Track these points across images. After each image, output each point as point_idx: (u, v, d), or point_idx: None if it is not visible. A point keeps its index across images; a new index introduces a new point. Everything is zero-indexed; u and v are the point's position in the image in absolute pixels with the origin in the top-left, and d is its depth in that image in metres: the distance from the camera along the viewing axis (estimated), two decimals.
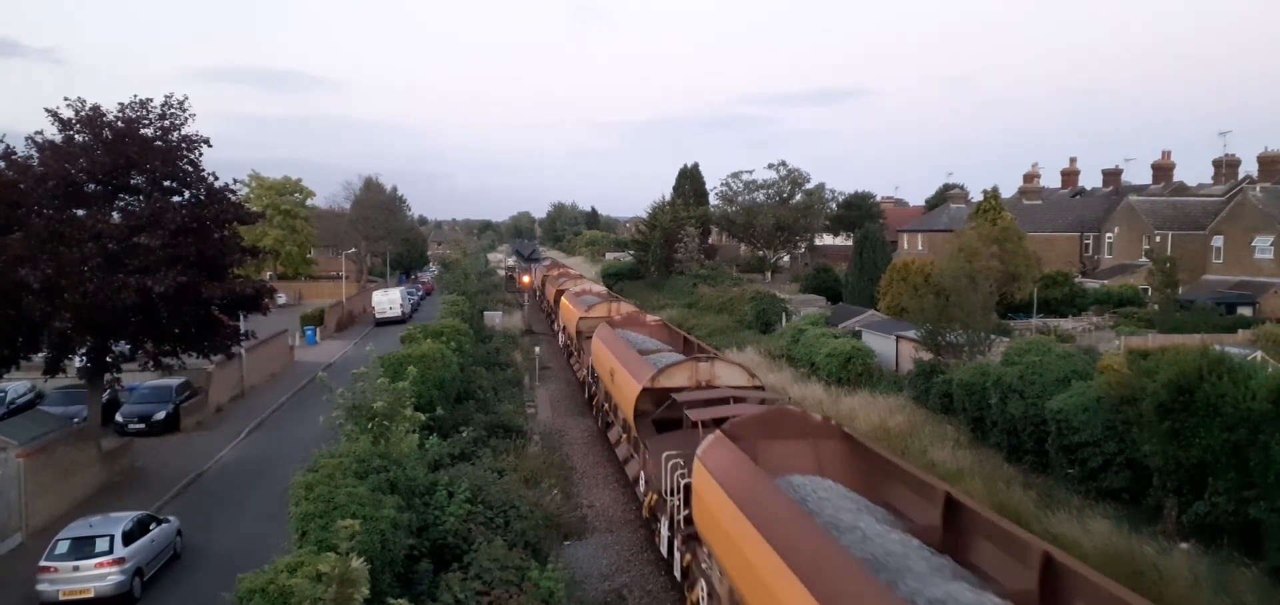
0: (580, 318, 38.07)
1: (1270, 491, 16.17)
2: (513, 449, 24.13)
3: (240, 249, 28.34)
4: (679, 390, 19.76)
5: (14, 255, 22.67)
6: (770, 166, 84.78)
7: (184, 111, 26.46)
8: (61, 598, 17.56)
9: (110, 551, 17.84)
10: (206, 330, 27.10)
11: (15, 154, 24.56)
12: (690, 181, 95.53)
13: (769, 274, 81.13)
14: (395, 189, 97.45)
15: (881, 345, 36.83)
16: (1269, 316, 40.89)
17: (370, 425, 17.29)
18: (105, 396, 29.35)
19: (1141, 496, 19.62)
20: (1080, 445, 20.82)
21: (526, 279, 77.68)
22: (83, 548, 17.90)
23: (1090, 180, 73.75)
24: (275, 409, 36.71)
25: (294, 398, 38.82)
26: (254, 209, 40.64)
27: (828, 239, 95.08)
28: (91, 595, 17.59)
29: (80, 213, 24.83)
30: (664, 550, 17.71)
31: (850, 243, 73.45)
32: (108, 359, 26.52)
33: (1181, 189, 63.33)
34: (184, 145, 26.31)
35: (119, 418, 31.59)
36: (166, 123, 26.11)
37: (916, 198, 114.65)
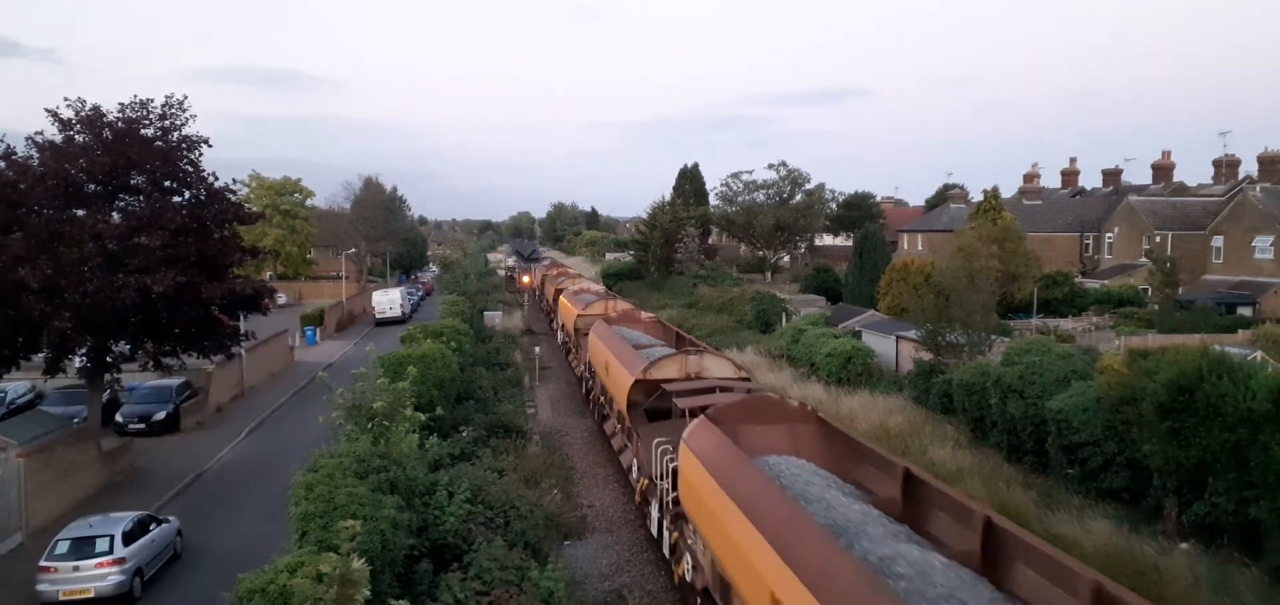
0: (578, 315, 38.73)
1: (1270, 491, 16.16)
2: (513, 449, 24.14)
3: (240, 249, 28.34)
4: (669, 381, 20.65)
5: (14, 255, 22.67)
6: (770, 166, 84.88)
7: (184, 112, 26.46)
8: (61, 598, 17.56)
9: (110, 551, 17.84)
10: (206, 330, 27.10)
11: (15, 154, 24.56)
12: (690, 181, 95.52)
13: (769, 274, 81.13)
14: (395, 189, 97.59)
15: (881, 345, 36.83)
16: (1269, 316, 40.89)
17: (370, 425, 17.29)
18: (105, 396, 29.34)
19: (1141, 496, 19.61)
20: (1080, 445, 20.81)
21: (526, 279, 77.69)
22: (83, 548, 17.90)
23: (1090, 180, 73.83)
24: (275, 409, 36.71)
25: (294, 398, 38.82)
26: (254, 209, 40.63)
27: (828, 239, 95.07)
28: (91, 595, 17.59)
29: (80, 213, 24.83)
30: (654, 530, 18.62)
31: (850, 243, 73.43)
32: (108, 359, 26.52)
33: (1181, 189, 63.32)
34: (184, 145, 26.31)
35: (119, 418, 31.59)
36: (166, 123, 26.11)
37: (916, 198, 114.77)
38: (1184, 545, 17.09)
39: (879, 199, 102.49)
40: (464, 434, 22.74)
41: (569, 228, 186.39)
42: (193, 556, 20.54)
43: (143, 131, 25.66)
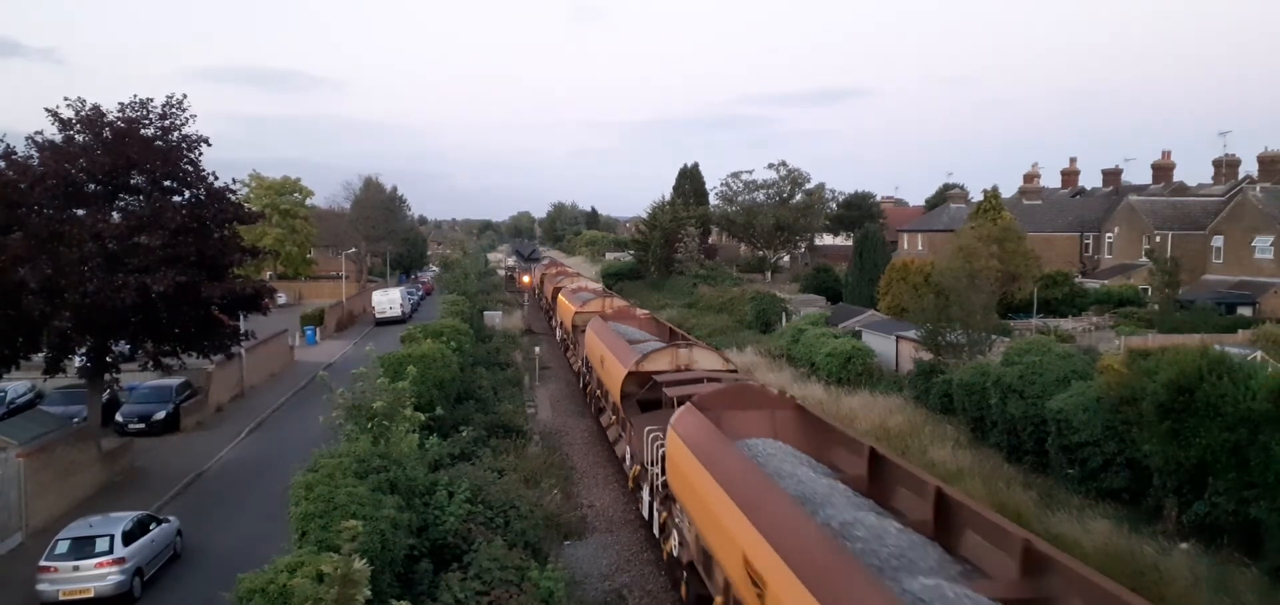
0: (575, 312, 39.43)
1: (1270, 491, 16.16)
2: (513, 449, 24.14)
3: (240, 249, 28.34)
4: (660, 373, 21.45)
5: (14, 255, 22.68)
6: (770, 166, 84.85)
7: (184, 111, 26.46)
8: (61, 598, 17.56)
9: (110, 551, 17.84)
10: (206, 330, 27.10)
11: (15, 154, 24.56)
12: (690, 181, 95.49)
13: (769, 274, 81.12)
14: (395, 189, 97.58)
15: (881, 345, 36.83)
16: (1269, 316, 40.88)
17: (370, 425, 17.28)
18: (105, 396, 29.34)
19: (1141, 496, 19.61)
20: (1080, 445, 20.81)
21: (526, 279, 77.70)
22: (83, 548, 17.89)
23: (1090, 180, 73.79)
24: (275, 409, 36.71)
25: (294, 398, 38.82)
26: (254, 209, 40.64)
27: (828, 239, 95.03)
28: (91, 595, 17.58)
29: (80, 213, 24.83)
30: (645, 512, 19.70)
31: (850, 243, 73.42)
32: (108, 359, 26.52)
33: (1181, 189, 63.30)
34: (184, 145, 26.31)
35: (119, 418, 31.59)
36: (166, 123, 26.11)
37: (916, 198, 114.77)
38: (1184, 545, 17.09)
39: (879, 199, 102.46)
40: (464, 434, 22.74)
41: (569, 228, 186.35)
42: (193, 556, 20.54)
43: (143, 131, 25.65)
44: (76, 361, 26.86)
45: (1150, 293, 47.14)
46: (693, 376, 20.54)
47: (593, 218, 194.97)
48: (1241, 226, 51.63)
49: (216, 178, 27.26)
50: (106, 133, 25.14)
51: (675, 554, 16.26)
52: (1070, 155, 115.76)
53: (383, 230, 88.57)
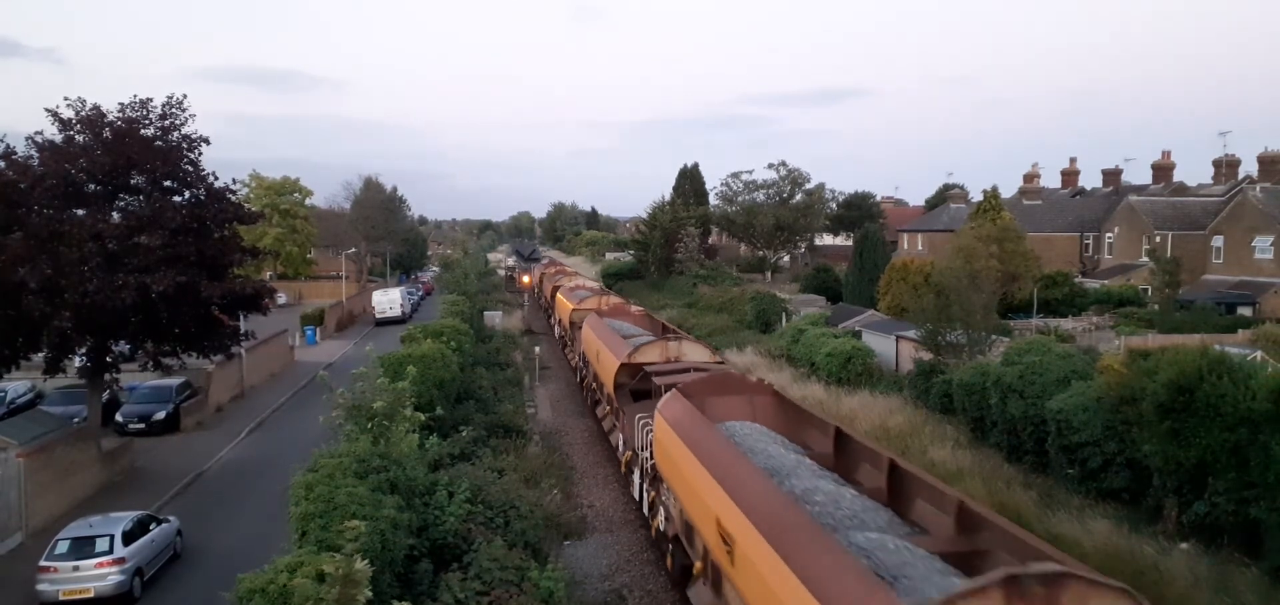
0: (573, 309, 40.56)
1: (1270, 491, 16.16)
2: (513, 449, 24.14)
3: (240, 249, 28.35)
4: (651, 365, 22.78)
5: (14, 255, 22.68)
6: (770, 166, 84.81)
7: (184, 111, 26.47)
8: (61, 598, 17.56)
9: (110, 551, 17.84)
10: (206, 330, 27.10)
11: (15, 154, 24.57)
12: (690, 181, 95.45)
13: (769, 274, 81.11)
14: (395, 189, 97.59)
15: (881, 345, 36.82)
16: (1269, 316, 40.88)
17: (370, 425, 17.28)
18: (105, 396, 29.35)
19: (1141, 496, 19.60)
20: (1080, 445, 20.80)
21: (526, 279, 77.72)
22: (83, 548, 17.90)
23: (1090, 180, 73.78)
24: (275, 409, 36.71)
25: (294, 398, 38.82)
26: (253, 209, 40.64)
27: (828, 239, 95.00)
28: (91, 595, 17.59)
29: (80, 213, 24.83)
30: (636, 494, 20.98)
31: (850, 243, 73.41)
32: (108, 359, 26.52)
33: (1181, 189, 63.29)
34: (184, 145, 26.32)
35: (119, 418, 31.60)
36: (166, 123, 26.12)
37: (916, 198, 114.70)
38: (1184, 545, 17.09)
39: (879, 199, 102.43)
40: (464, 434, 22.73)
41: (569, 228, 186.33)
42: (193, 556, 20.54)
43: (143, 131, 25.66)
44: (76, 361, 26.87)
45: (1150, 293, 47.14)
46: (680, 367, 21.63)
47: (593, 218, 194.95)
48: (1241, 226, 51.62)
49: (216, 178, 27.29)
50: (106, 133, 25.15)
51: (662, 529, 17.31)
52: (1070, 155, 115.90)
53: (383, 230, 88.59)
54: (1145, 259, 50.93)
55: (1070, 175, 74.12)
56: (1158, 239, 52.81)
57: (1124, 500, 19.83)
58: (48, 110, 24.98)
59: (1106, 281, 53.83)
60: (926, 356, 31.41)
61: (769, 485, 10.82)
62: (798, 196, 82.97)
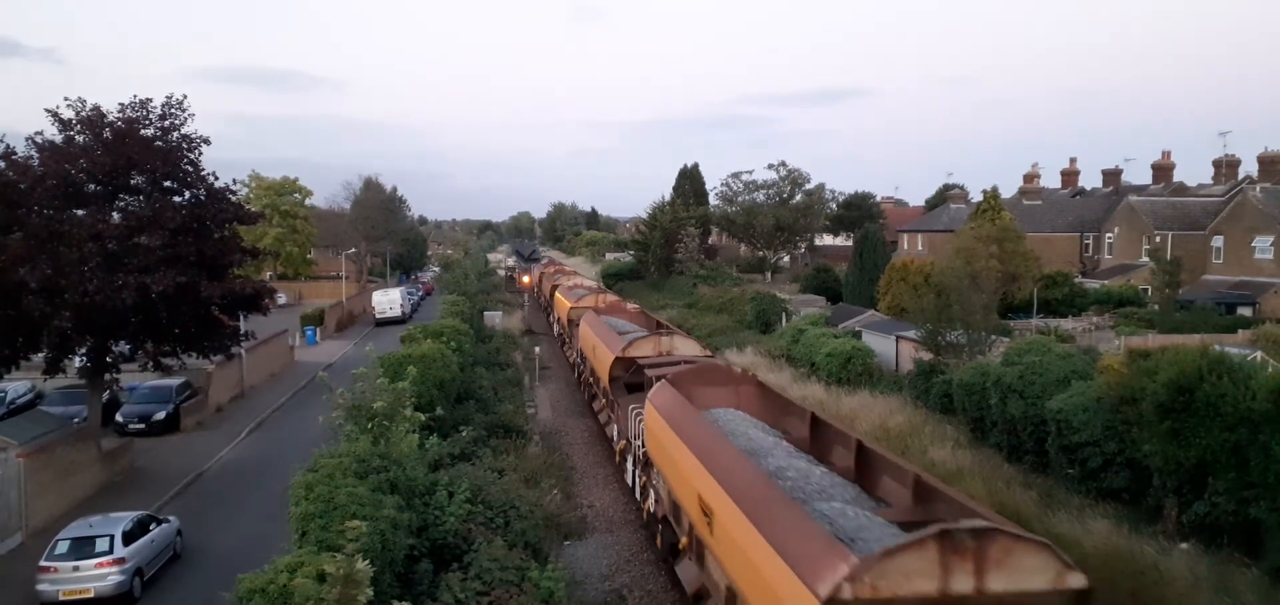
0: (571, 307, 41.76)
1: (1270, 491, 16.16)
2: (513, 449, 24.14)
3: (240, 249, 28.35)
4: (644, 358, 24.02)
5: (14, 255, 22.70)
6: (770, 167, 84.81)
7: (184, 111, 26.48)
8: (61, 598, 17.57)
9: (110, 551, 17.84)
10: (206, 330, 27.11)
11: (15, 154, 24.58)
12: (690, 181, 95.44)
13: (769, 274, 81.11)
14: (395, 189, 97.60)
15: (881, 345, 36.82)
16: (1269, 316, 40.87)
17: (370, 425, 17.28)
18: (105, 396, 29.35)
19: (1141, 496, 19.60)
20: (1080, 445, 20.80)
21: (526, 279, 77.73)
22: (83, 548, 17.90)
23: (1090, 180, 73.74)
24: (275, 409, 36.71)
25: (294, 398, 38.83)
26: (254, 209, 40.66)
27: (828, 239, 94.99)
28: (91, 595, 17.59)
29: (80, 213, 24.85)
30: (629, 481, 22.17)
31: (850, 243, 73.39)
32: (108, 359, 26.52)
33: (1181, 189, 63.28)
34: (184, 145, 26.33)
35: (119, 418, 31.60)
36: (166, 123, 26.13)
37: (916, 198, 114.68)
38: (1184, 545, 17.08)
39: (879, 199, 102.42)
40: (464, 434, 22.73)
41: (569, 228, 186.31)
42: (193, 556, 20.54)
43: (143, 131, 25.67)
44: (76, 361, 26.88)
45: (1150, 293, 47.13)
46: (671, 361, 22.86)
47: (593, 218, 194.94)
48: (1241, 226, 51.62)
49: (216, 178, 27.31)
50: (106, 133, 25.15)
51: (652, 511, 18.44)
52: (1070, 155, 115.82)
53: (383, 230, 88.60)
54: (1145, 259, 50.93)
55: (1070, 175, 74.10)
56: (1158, 239, 52.80)
57: (1124, 500, 19.82)
58: (48, 110, 25.04)
59: (1106, 281, 53.83)
60: (926, 357, 31.41)
61: (746, 463, 11.84)
62: (798, 197, 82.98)
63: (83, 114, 25.21)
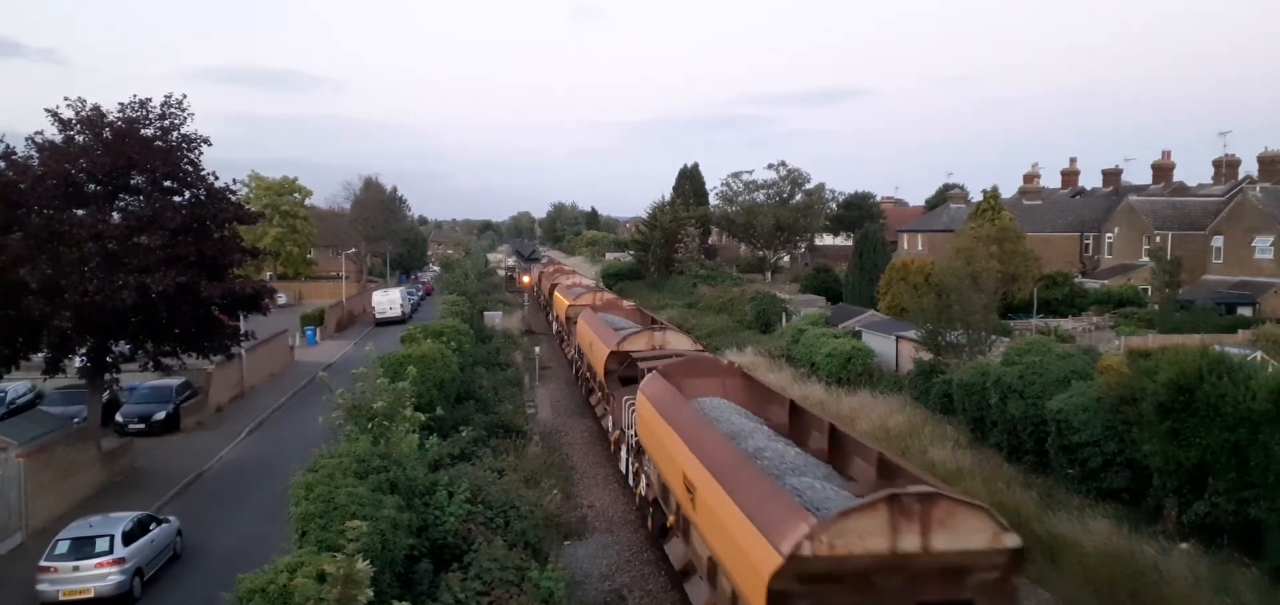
0: (569, 305, 42.74)
1: (1270, 491, 16.16)
2: (513, 449, 24.13)
3: (240, 249, 28.35)
4: (638, 352, 25.08)
5: (14, 255, 22.70)
6: (770, 166, 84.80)
7: (183, 111, 26.48)
8: (61, 598, 17.57)
9: (110, 551, 17.85)
10: (206, 330, 27.12)
11: (15, 154, 24.58)
12: (690, 181, 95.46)
13: (769, 274, 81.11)
14: (395, 189, 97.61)
15: (881, 345, 36.82)
16: (1269, 316, 40.87)
17: (370, 425, 17.28)
18: (105, 396, 29.35)
19: (1141, 496, 19.61)
20: (1080, 445, 20.80)
21: (526, 279, 77.75)
22: (83, 548, 17.90)
23: (1090, 180, 73.72)
24: (275, 409, 36.72)
25: (294, 398, 38.83)
26: (253, 209, 40.67)
27: (828, 239, 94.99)
28: (91, 595, 17.59)
29: (80, 213, 24.85)
30: (623, 469, 23.15)
31: (850, 243, 73.41)
32: (108, 359, 26.52)
33: (1181, 189, 63.27)
34: (184, 145, 26.34)
35: (119, 418, 31.60)
36: (166, 123, 26.13)
37: (916, 198, 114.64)
38: (1184, 545, 17.09)
39: (879, 199, 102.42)
40: (464, 434, 22.72)
41: (569, 228, 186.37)
42: (193, 556, 20.54)
43: (143, 131, 25.67)
44: (76, 361, 26.88)
45: (1150, 293, 47.12)
46: (664, 355, 24.00)
47: (593, 218, 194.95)
48: (1241, 226, 51.62)
49: (216, 178, 27.31)
50: (106, 133, 25.15)
51: (644, 495, 19.42)
52: (1070, 155, 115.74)
53: (383, 230, 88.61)
54: (1145, 259, 50.93)
55: (1070, 175, 74.09)
56: (1158, 239, 52.80)
57: (1124, 500, 19.83)
58: (48, 110, 25.04)
59: (1106, 281, 53.83)
60: (926, 357, 31.42)
61: (726, 444, 13.07)
62: (798, 196, 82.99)
63: (83, 114, 25.21)
